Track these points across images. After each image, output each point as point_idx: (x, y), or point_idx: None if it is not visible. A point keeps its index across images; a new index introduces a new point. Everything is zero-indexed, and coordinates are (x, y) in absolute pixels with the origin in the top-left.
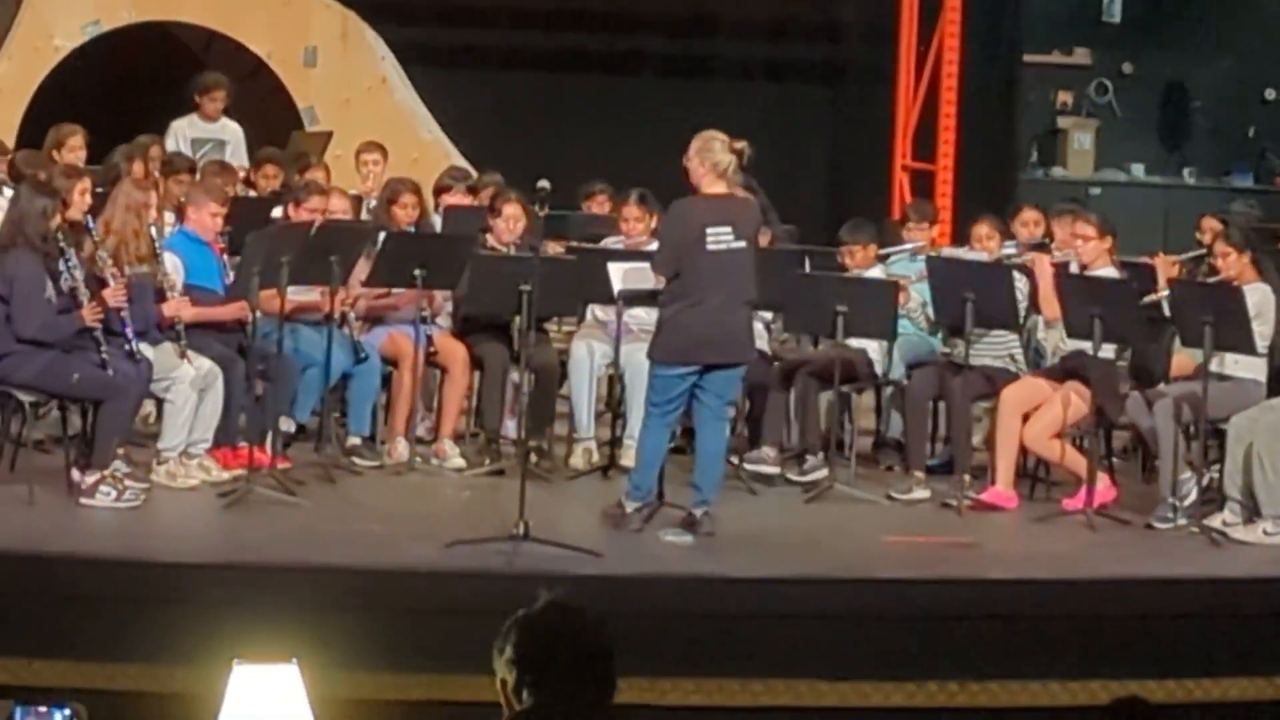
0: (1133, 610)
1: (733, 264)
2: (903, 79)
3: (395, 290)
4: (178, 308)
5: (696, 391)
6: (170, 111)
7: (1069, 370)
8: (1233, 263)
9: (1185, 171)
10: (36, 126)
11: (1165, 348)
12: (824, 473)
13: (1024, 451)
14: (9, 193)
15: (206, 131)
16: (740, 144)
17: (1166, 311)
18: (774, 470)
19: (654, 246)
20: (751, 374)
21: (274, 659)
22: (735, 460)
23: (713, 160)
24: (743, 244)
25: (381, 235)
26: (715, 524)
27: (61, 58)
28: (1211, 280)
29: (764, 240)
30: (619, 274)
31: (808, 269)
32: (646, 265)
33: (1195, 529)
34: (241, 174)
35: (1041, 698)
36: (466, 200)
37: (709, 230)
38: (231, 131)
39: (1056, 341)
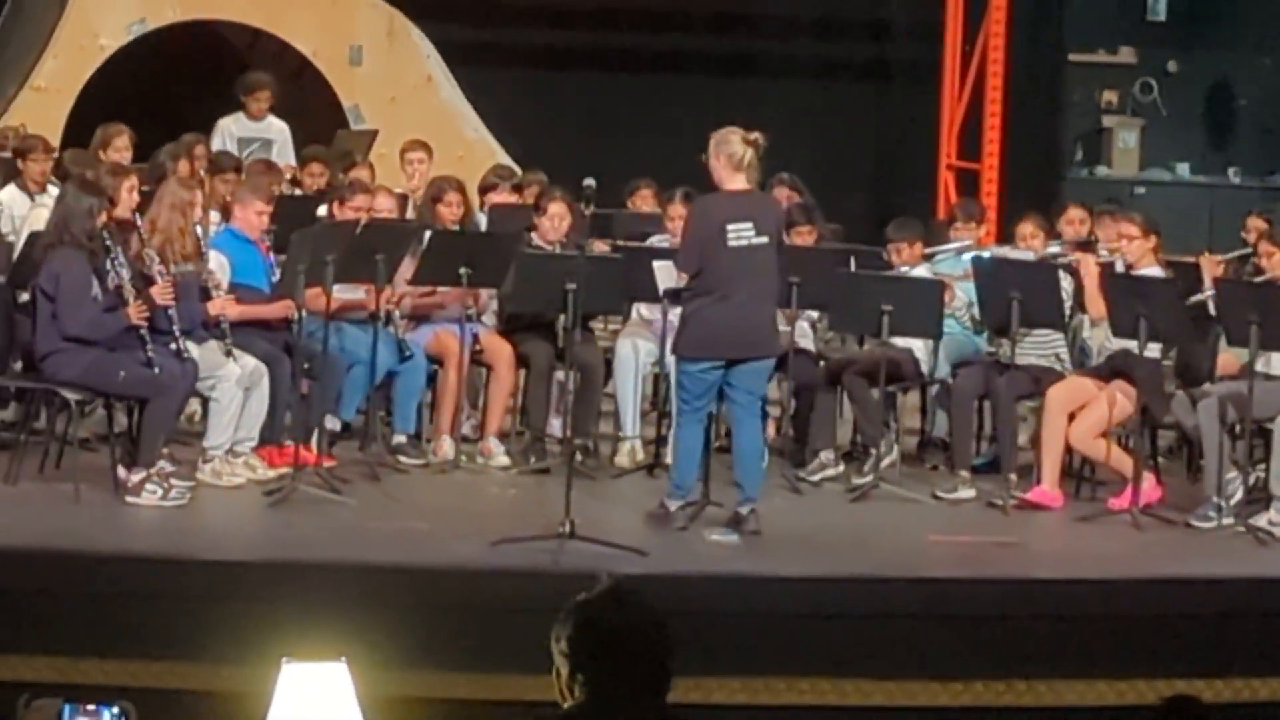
0: (1179, 609)
1: (755, 260)
2: (948, 77)
3: (440, 289)
4: (223, 306)
5: (726, 389)
6: (215, 110)
7: (1114, 369)
8: (1278, 261)
9: (1230, 170)
10: (82, 126)
11: (1211, 347)
12: (893, 455)
13: (1069, 450)
14: (54, 191)
15: (253, 130)
16: (754, 135)
17: (1212, 310)
18: (837, 472)
19: None
20: (797, 373)
21: (323, 657)
22: (794, 471)
23: (728, 152)
24: (764, 240)
25: (427, 234)
26: (760, 522)
27: (107, 57)
28: (1258, 280)
29: (809, 238)
30: (665, 272)
31: (853, 268)
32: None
33: (1241, 528)
34: (288, 173)
35: (1088, 696)
36: (512, 199)
37: (729, 226)
38: (278, 130)
39: (1102, 340)
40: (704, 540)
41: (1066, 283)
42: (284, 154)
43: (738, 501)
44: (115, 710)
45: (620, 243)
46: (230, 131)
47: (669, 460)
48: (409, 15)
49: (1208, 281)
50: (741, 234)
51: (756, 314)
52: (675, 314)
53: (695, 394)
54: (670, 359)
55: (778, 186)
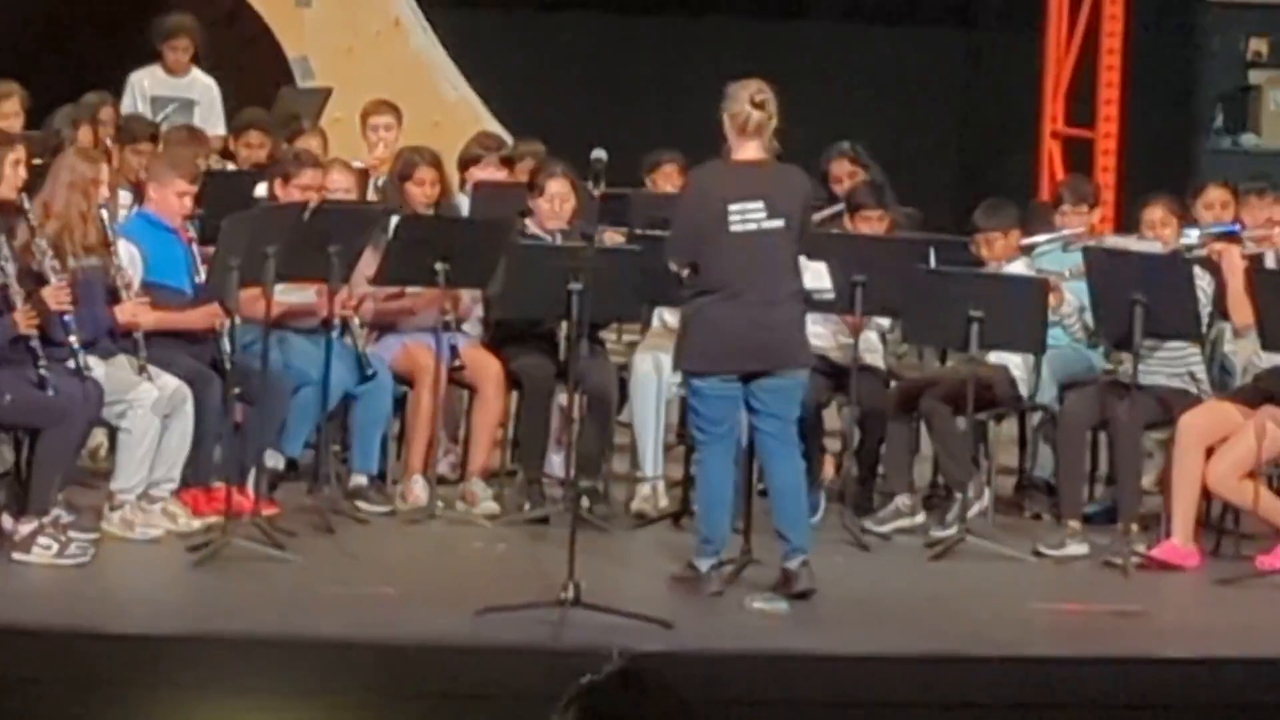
0: None
1: (766, 249)
2: (1054, 22)
3: (411, 290)
4: (135, 311)
5: (752, 418)
6: (126, 64)
7: (1265, 392)
8: None
9: None
10: None
11: None
12: (983, 502)
13: (1207, 496)
14: None
15: (171, 88)
16: (763, 95)
17: None
18: (914, 522)
19: None
20: (863, 397)
21: None
22: (859, 520)
23: (731, 111)
24: (780, 223)
25: (393, 220)
26: (815, 580)
27: None
28: None
29: (878, 226)
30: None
31: (933, 263)
32: None
33: None
34: (216, 143)
35: None
36: (501, 175)
37: (732, 206)
38: (202, 88)
39: (1249, 355)
40: (744, 609)
41: (1204, 282)
42: (211, 118)
43: (783, 555)
44: None
45: (638, 231)
46: (143, 89)
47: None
48: None
49: None
50: (749, 216)
51: (774, 316)
52: None
53: (712, 418)
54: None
55: (838, 160)
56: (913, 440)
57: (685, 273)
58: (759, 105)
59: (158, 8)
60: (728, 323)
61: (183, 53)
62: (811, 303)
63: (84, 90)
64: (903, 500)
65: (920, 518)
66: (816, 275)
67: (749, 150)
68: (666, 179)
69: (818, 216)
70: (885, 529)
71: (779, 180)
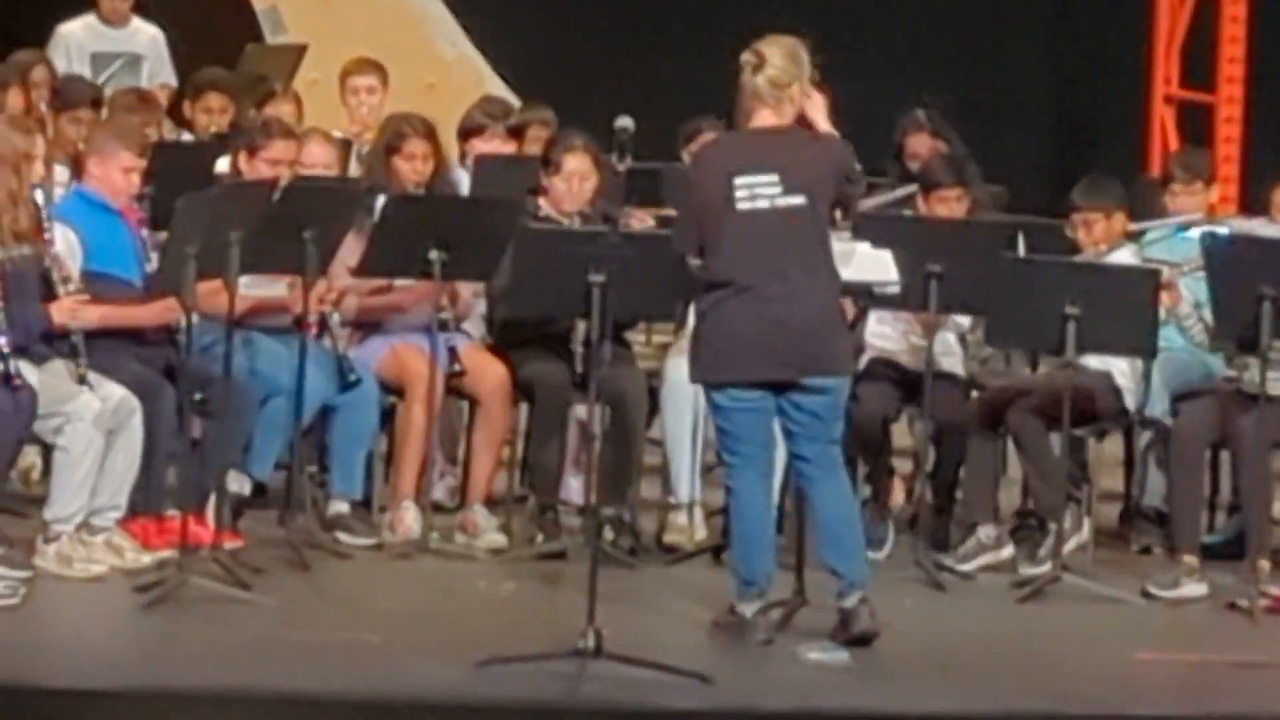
0: None
1: (783, 230)
2: None
3: (400, 283)
4: (74, 308)
5: (787, 440)
6: (60, 14)
7: None
8: None
9: None
10: None
11: None
12: (1082, 533)
13: None
14: None
15: (112, 41)
16: (753, 53)
17: None
18: (999, 557)
19: None
20: (939, 410)
21: None
22: (934, 555)
23: (743, 77)
24: (799, 199)
25: (379, 199)
26: (879, 623)
27: None
28: None
29: (958, 207)
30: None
31: (1022, 250)
32: None
33: None
34: (165, 99)
35: None
36: (507, 147)
37: (739, 180)
38: (147, 40)
39: None
40: (797, 661)
41: None
42: (158, 75)
43: (838, 592)
44: None
45: (672, 213)
46: (77, 43)
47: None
48: None
49: None
50: (759, 191)
51: (798, 312)
52: None
53: (740, 436)
54: None
55: (915, 133)
56: (998, 461)
57: (697, 264)
58: (756, 68)
59: None
60: (742, 322)
61: (122, 1)
62: (874, 298)
63: (13, 47)
64: (986, 532)
65: (1007, 552)
66: (880, 265)
67: (765, 114)
68: None
69: (889, 197)
70: (966, 566)
71: (801, 149)
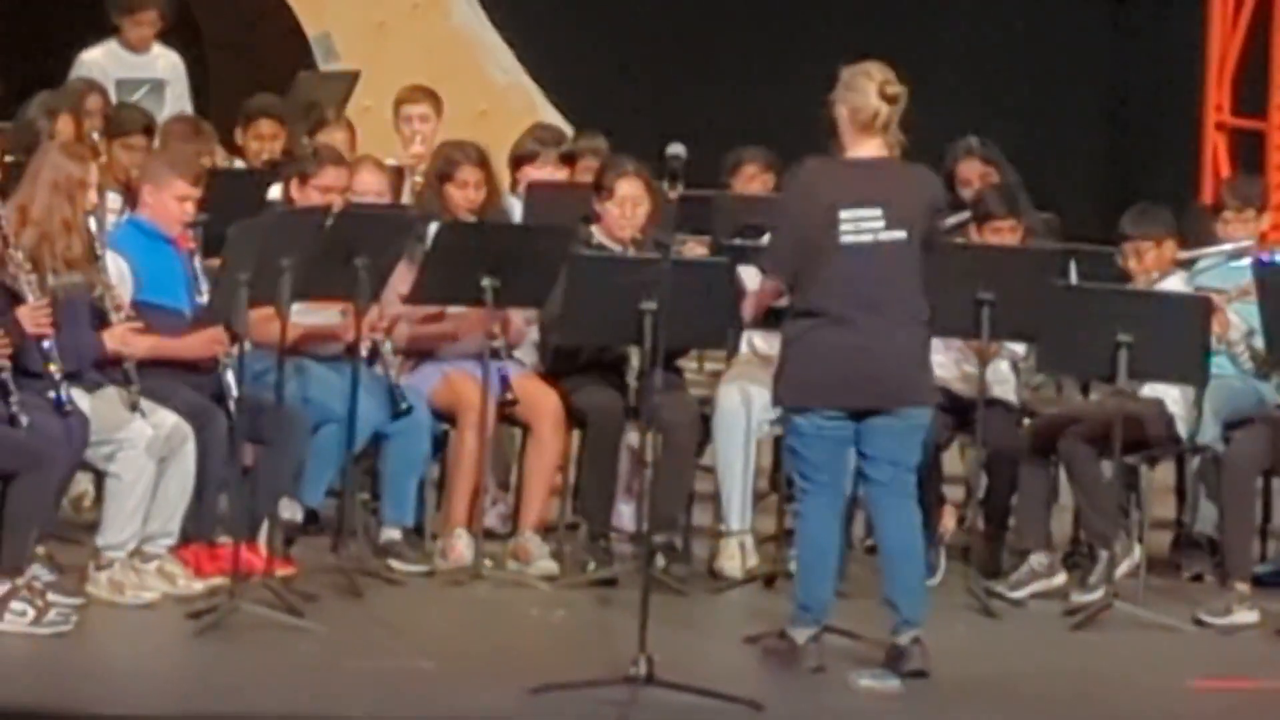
0: None
1: (884, 264)
2: None
3: (453, 310)
4: (127, 336)
5: (862, 464)
6: (82, 39)
7: None
8: None
9: None
10: None
11: None
12: (1133, 559)
13: None
14: None
15: (135, 68)
16: (895, 89)
17: None
18: (1051, 585)
19: None
20: (991, 437)
21: None
22: (986, 583)
23: (854, 104)
24: (900, 234)
25: (432, 227)
26: (930, 659)
27: None
28: None
29: (1011, 236)
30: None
31: (1074, 278)
32: None
33: None
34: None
35: None
36: (560, 174)
37: (844, 213)
38: (168, 66)
39: None
40: (848, 687)
41: None
42: (180, 101)
43: (892, 628)
44: None
45: (723, 240)
46: (101, 69)
47: (795, 567)
48: None
49: None
50: (863, 224)
51: (891, 343)
52: None
53: (816, 462)
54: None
55: (965, 159)
56: (1050, 488)
57: (776, 289)
58: (890, 99)
59: None
60: (835, 350)
61: (149, 27)
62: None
63: (61, 73)
64: (1038, 559)
65: (1060, 579)
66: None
67: (868, 146)
68: (753, 180)
69: (942, 224)
70: (1019, 593)
71: (902, 182)
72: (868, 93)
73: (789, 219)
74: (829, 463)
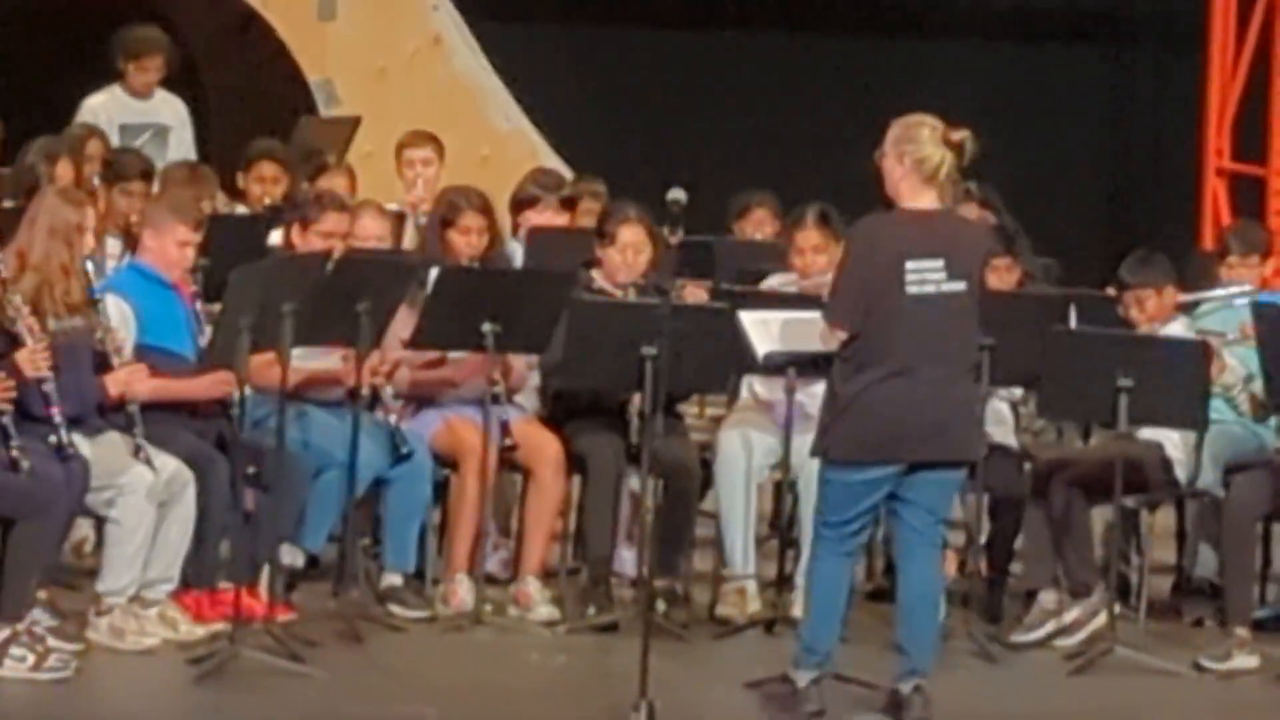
0: None
1: (945, 315)
2: (1218, 38)
3: (454, 355)
4: (129, 380)
5: (896, 506)
6: (86, 86)
7: None
8: None
9: None
10: None
11: None
12: (1099, 621)
13: None
14: None
15: (139, 113)
16: (960, 134)
17: None
18: (1066, 622)
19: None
20: (993, 481)
21: None
22: (987, 627)
23: (916, 156)
24: (961, 285)
25: (433, 272)
26: (931, 707)
27: None
28: None
29: (1008, 279)
30: (763, 328)
31: (1073, 323)
32: (812, 315)
33: None
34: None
35: None
36: (561, 219)
37: (910, 265)
38: (172, 111)
39: None
40: None
41: None
42: (184, 147)
43: (898, 674)
44: None
45: (725, 286)
46: (107, 115)
47: (796, 611)
48: None
49: None
50: (927, 276)
51: (947, 396)
52: (806, 393)
53: (846, 516)
54: (807, 462)
55: (964, 203)
56: (1049, 530)
57: (836, 338)
58: (954, 146)
59: (152, 19)
60: (895, 404)
61: (154, 73)
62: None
63: (64, 119)
64: (1047, 597)
65: (1073, 614)
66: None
67: (926, 198)
68: (758, 225)
69: None
70: (1034, 635)
71: (960, 235)
72: (930, 143)
73: (855, 271)
74: (861, 514)
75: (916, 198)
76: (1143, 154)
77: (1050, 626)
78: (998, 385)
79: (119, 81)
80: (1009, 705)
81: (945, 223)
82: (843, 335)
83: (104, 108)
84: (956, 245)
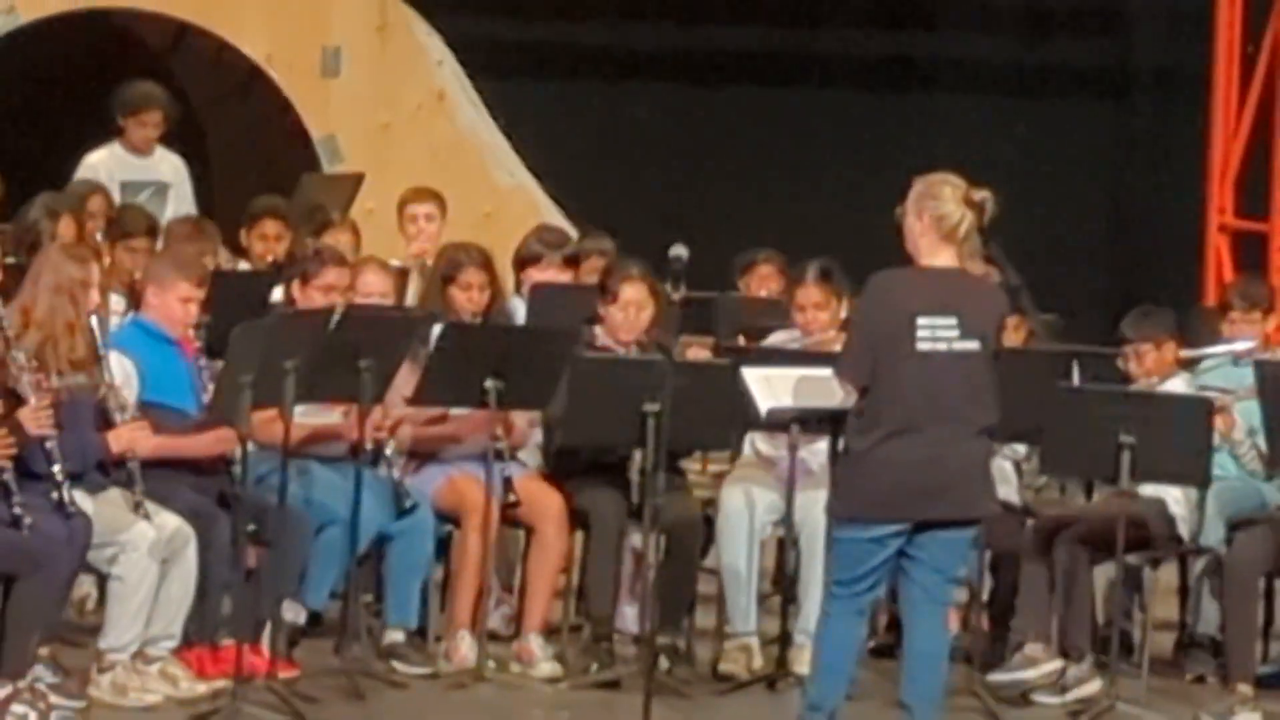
0: None
1: (957, 373)
2: (1221, 94)
3: (456, 412)
4: (133, 437)
5: (905, 564)
6: (86, 143)
7: None
8: None
9: None
10: None
11: None
12: (1098, 685)
13: None
14: None
15: (139, 170)
16: (981, 194)
17: None
18: (1043, 674)
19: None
20: (995, 537)
21: None
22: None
23: (936, 213)
24: (974, 344)
25: (436, 328)
26: None
27: None
28: None
29: (1014, 336)
30: (766, 385)
31: (1076, 379)
32: (825, 373)
33: None
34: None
35: None
36: (563, 276)
37: (921, 321)
38: (172, 169)
39: None
40: None
41: None
42: (183, 204)
43: None
44: None
45: (727, 343)
46: (107, 171)
47: (799, 668)
48: (412, 3)
49: None
50: (939, 334)
51: (959, 454)
52: (810, 450)
53: (856, 574)
54: (810, 519)
55: (970, 259)
56: (1053, 584)
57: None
58: (975, 205)
59: (161, 78)
60: (905, 463)
61: (153, 129)
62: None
63: (70, 175)
64: (1033, 648)
65: (1052, 666)
66: (823, 389)
67: (943, 256)
68: (763, 282)
69: None
70: (1008, 677)
71: (974, 293)
72: (951, 201)
73: (865, 327)
74: (872, 572)
75: (934, 255)
76: (1145, 209)
77: (1030, 673)
78: (1001, 442)
79: (118, 138)
80: None
81: (961, 281)
82: (851, 392)
83: (103, 164)
84: (971, 304)
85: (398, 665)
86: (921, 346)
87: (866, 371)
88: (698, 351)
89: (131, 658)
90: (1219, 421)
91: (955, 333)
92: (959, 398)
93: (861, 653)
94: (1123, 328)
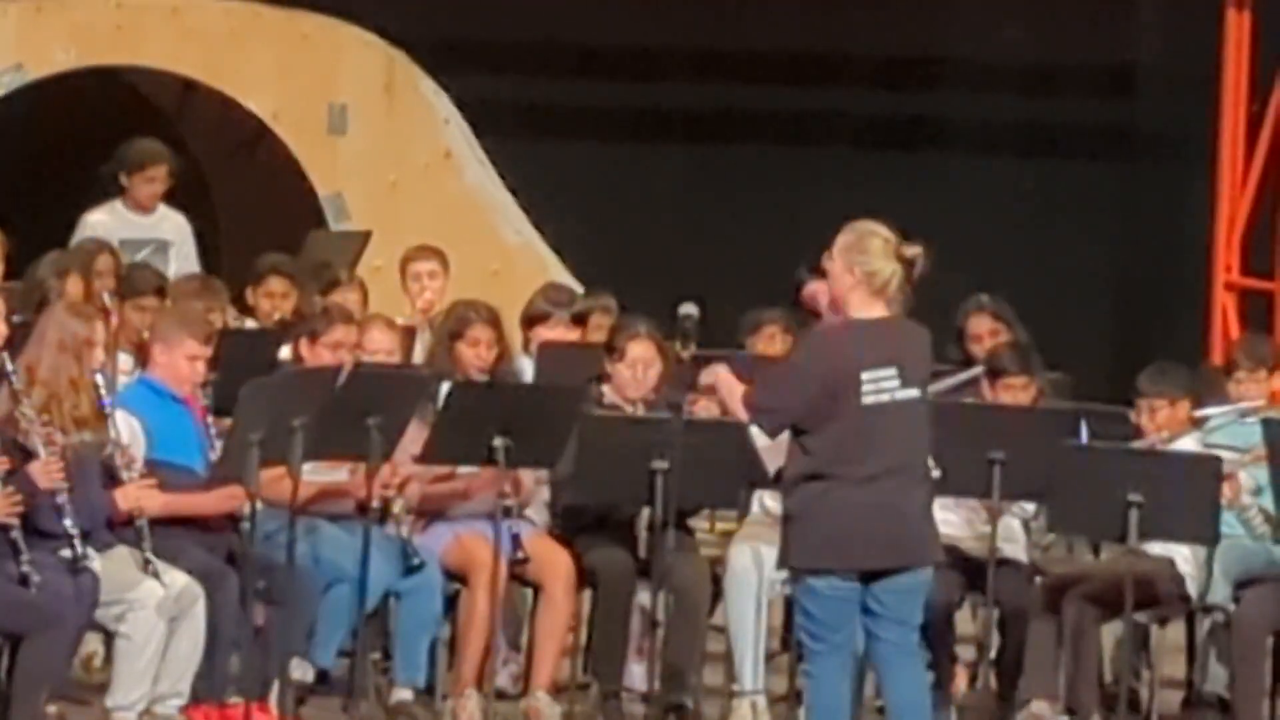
0: None
1: (899, 423)
2: (1228, 152)
3: (464, 470)
4: (140, 495)
5: (868, 623)
6: (85, 201)
7: None
8: None
9: None
10: None
11: None
12: None
13: None
14: None
15: (139, 228)
16: (913, 250)
17: None
18: None
19: None
20: (1003, 596)
21: None
22: None
23: (868, 269)
24: (915, 392)
25: (444, 387)
26: None
27: None
28: None
29: (1023, 395)
30: (776, 445)
31: (1084, 438)
32: None
33: None
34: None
35: None
36: (571, 334)
37: (865, 375)
38: (174, 227)
39: None
40: None
41: None
42: (185, 262)
43: None
44: None
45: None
46: (106, 230)
47: None
48: (420, 61)
49: None
50: (883, 385)
51: (905, 502)
52: None
53: (830, 623)
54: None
55: (976, 315)
56: (1060, 642)
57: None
58: (904, 260)
59: (168, 136)
60: (852, 512)
61: (158, 185)
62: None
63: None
64: (1038, 707)
65: None
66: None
67: (874, 308)
68: (771, 341)
69: (952, 381)
70: None
71: (910, 342)
72: (883, 256)
73: (806, 381)
74: (842, 623)
75: (866, 309)
76: (1152, 268)
77: None
78: (1008, 500)
79: (121, 197)
80: None
81: (896, 331)
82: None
83: (103, 223)
84: (910, 354)
85: None
86: (866, 400)
87: (787, 420)
88: (707, 409)
89: (139, 715)
90: (1226, 486)
91: (896, 383)
92: (903, 447)
93: (865, 709)
94: (1140, 381)
